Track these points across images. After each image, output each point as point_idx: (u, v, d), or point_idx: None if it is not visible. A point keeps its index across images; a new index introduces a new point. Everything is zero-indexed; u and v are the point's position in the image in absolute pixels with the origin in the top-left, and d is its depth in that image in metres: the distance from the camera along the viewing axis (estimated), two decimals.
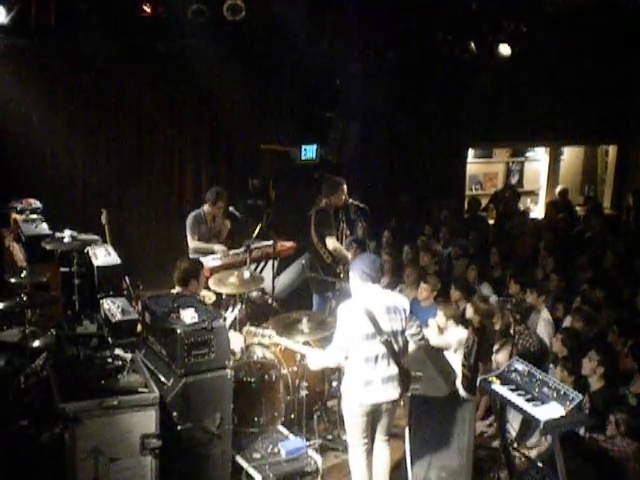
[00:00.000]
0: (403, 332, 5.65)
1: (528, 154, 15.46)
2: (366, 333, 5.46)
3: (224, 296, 7.58)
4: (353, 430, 5.69)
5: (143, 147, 10.68)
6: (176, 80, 10.46)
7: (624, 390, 6.31)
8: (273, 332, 6.36)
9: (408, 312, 5.72)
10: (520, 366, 5.83)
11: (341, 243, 8.56)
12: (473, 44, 10.74)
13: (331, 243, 8.21)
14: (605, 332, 7.19)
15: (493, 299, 8.09)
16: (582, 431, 5.91)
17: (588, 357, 6.22)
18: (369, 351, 5.48)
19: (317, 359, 5.93)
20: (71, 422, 4.73)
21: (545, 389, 5.51)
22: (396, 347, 5.55)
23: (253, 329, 6.48)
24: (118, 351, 5.47)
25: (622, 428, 5.56)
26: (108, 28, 8.99)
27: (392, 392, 5.56)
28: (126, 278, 7.72)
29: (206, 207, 8.74)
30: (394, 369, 5.54)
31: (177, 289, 6.44)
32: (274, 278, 8.17)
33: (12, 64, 9.40)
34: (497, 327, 7.48)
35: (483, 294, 8.17)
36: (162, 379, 5.23)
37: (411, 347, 5.95)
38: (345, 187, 8.41)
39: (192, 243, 8.71)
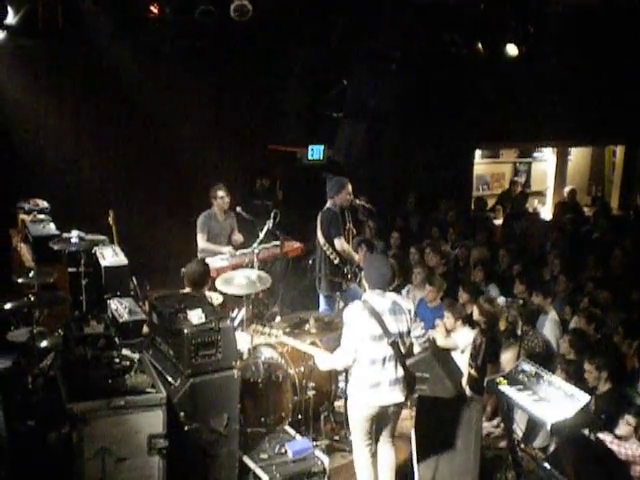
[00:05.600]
0: (409, 333, 5.65)
1: (535, 154, 15.45)
2: (373, 335, 5.46)
3: (231, 297, 7.57)
4: (359, 431, 5.69)
5: (151, 147, 10.69)
6: (183, 80, 10.47)
7: (631, 391, 6.30)
8: (280, 331, 6.38)
9: (413, 313, 5.72)
10: (527, 367, 5.82)
11: (348, 243, 8.55)
12: (480, 44, 10.72)
13: (339, 244, 8.19)
14: (608, 334, 7.19)
15: (501, 300, 8.08)
16: (587, 432, 5.90)
17: (586, 370, 6.20)
18: (376, 353, 5.47)
19: (325, 360, 5.94)
20: (79, 422, 4.74)
21: (552, 390, 5.49)
22: (402, 349, 5.55)
23: (260, 327, 6.50)
24: (125, 351, 5.48)
25: (639, 431, 5.55)
26: (115, 29, 9.02)
27: (398, 395, 5.56)
28: (133, 278, 7.74)
29: (215, 206, 8.80)
30: (400, 371, 5.54)
31: (187, 290, 6.45)
32: (283, 278, 8.17)
33: (19, 65, 9.42)
34: (503, 328, 7.47)
35: (490, 295, 8.16)
36: (169, 379, 5.24)
37: (416, 349, 5.95)
38: (350, 187, 8.40)
39: (201, 243, 8.73)
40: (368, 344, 5.47)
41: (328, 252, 8.27)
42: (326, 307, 8.42)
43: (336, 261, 8.24)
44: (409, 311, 5.67)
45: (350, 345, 5.51)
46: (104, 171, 10.28)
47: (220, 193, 8.77)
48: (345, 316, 5.58)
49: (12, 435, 5.47)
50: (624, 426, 5.57)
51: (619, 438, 5.61)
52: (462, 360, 7.03)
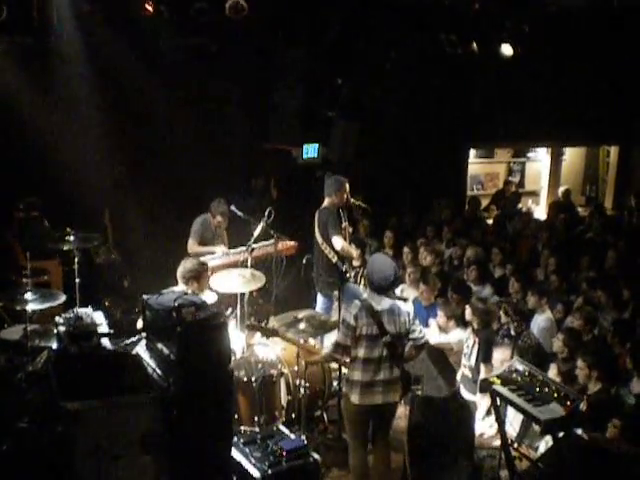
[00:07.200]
0: (406, 335, 5.66)
1: (530, 154, 15.46)
2: (369, 334, 5.47)
3: (225, 295, 7.57)
4: (353, 430, 5.70)
5: (146, 146, 10.67)
6: (178, 79, 10.45)
7: (623, 391, 6.31)
8: (275, 325, 6.42)
9: (412, 315, 5.73)
10: (521, 366, 5.83)
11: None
12: (475, 44, 10.72)
13: (338, 242, 8.13)
14: (602, 334, 7.21)
15: (494, 299, 8.09)
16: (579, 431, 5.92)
17: (578, 367, 6.22)
18: (372, 352, 5.49)
19: (317, 354, 5.98)
20: (72, 420, 4.73)
21: (545, 389, 5.51)
22: (399, 350, 5.56)
23: (256, 323, 6.52)
24: (119, 349, 5.48)
25: (625, 433, 5.56)
26: (110, 27, 9.01)
27: (393, 395, 5.58)
28: (127, 276, 7.74)
29: (212, 220, 8.78)
30: (396, 371, 5.56)
31: (179, 286, 6.44)
32: (277, 278, 8.15)
33: (14, 63, 9.39)
34: (495, 328, 7.48)
35: (483, 295, 8.17)
36: (163, 377, 5.23)
37: (413, 351, 5.96)
38: (347, 186, 8.40)
39: (192, 248, 8.67)
40: (364, 343, 5.48)
41: (326, 251, 8.26)
42: (324, 306, 8.42)
43: (334, 260, 8.21)
44: (408, 314, 5.69)
45: (343, 342, 5.53)
46: (99, 170, 10.24)
47: (219, 218, 8.74)
48: (343, 314, 5.60)
49: (5, 434, 5.46)
50: (611, 429, 5.60)
51: (610, 441, 5.63)
52: (456, 359, 7.05)
